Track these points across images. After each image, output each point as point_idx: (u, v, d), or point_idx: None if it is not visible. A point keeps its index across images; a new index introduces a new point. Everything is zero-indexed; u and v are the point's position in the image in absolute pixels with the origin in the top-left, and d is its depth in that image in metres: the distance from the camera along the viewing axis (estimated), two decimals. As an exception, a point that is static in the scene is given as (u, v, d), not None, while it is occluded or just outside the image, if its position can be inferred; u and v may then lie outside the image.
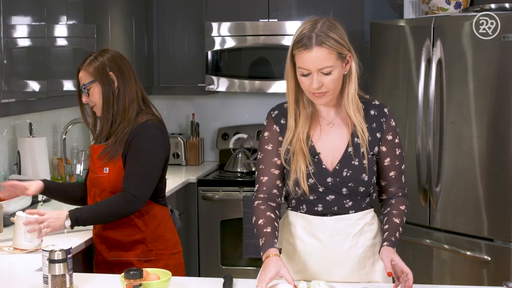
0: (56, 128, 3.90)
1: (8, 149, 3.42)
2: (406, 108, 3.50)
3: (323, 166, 2.14)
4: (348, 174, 2.14)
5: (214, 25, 4.37)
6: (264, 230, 2.08)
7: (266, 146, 2.20)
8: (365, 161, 2.14)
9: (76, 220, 2.47)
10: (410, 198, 3.46)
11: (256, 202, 2.18)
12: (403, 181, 2.26)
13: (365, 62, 3.88)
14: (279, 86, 4.33)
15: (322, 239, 2.18)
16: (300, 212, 2.20)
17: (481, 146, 3.20)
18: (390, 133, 2.20)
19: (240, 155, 4.53)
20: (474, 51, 3.19)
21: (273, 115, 2.23)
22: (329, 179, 2.14)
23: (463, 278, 3.30)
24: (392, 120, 2.21)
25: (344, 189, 2.15)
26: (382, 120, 2.19)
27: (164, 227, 2.63)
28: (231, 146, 4.69)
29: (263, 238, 2.06)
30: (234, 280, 2.16)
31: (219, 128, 4.83)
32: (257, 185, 2.22)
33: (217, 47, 4.39)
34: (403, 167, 2.24)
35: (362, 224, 2.19)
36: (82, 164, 3.84)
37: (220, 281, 2.15)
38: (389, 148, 2.19)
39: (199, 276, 4.25)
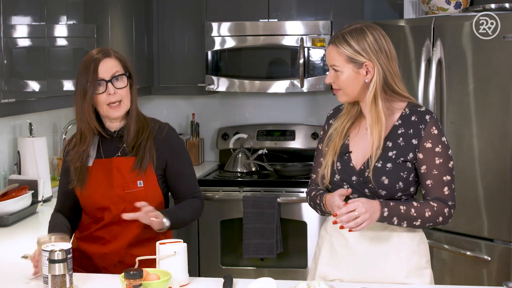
0: (56, 128, 3.90)
1: (8, 149, 3.42)
2: (406, 108, 3.50)
3: (351, 165, 2.21)
4: (369, 175, 2.16)
5: (214, 25, 4.37)
6: (317, 192, 2.27)
7: (318, 145, 2.37)
8: (389, 165, 2.15)
9: (171, 222, 2.33)
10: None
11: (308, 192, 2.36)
12: (447, 193, 2.17)
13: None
14: (279, 86, 4.32)
15: (344, 235, 2.24)
16: None
17: (481, 146, 3.20)
18: (429, 141, 2.15)
19: (240, 155, 4.53)
20: (474, 51, 3.19)
21: (328, 115, 2.38)
22: (354, 178, 2.19)
23: (463, 278, 3.30)
24: (434, 128, 2.16)
25: (366, 190, 2.18)
26: (420, 126, 2.16)
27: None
28: (231, 146, 4.69)
29: (318, 194, 2.25)
30: (234, 280, 2.16)
31: (219, 128, 4.83)
32: (309, 181, 2.40)
33: (217, 47, 4.39)
34: (446, 178, 2.16)
35: (380, 228, 2.18)
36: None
37: (220, 281, 2.16)
38: (426, 156, 2.16)
39: (199, 276, 4.25)
